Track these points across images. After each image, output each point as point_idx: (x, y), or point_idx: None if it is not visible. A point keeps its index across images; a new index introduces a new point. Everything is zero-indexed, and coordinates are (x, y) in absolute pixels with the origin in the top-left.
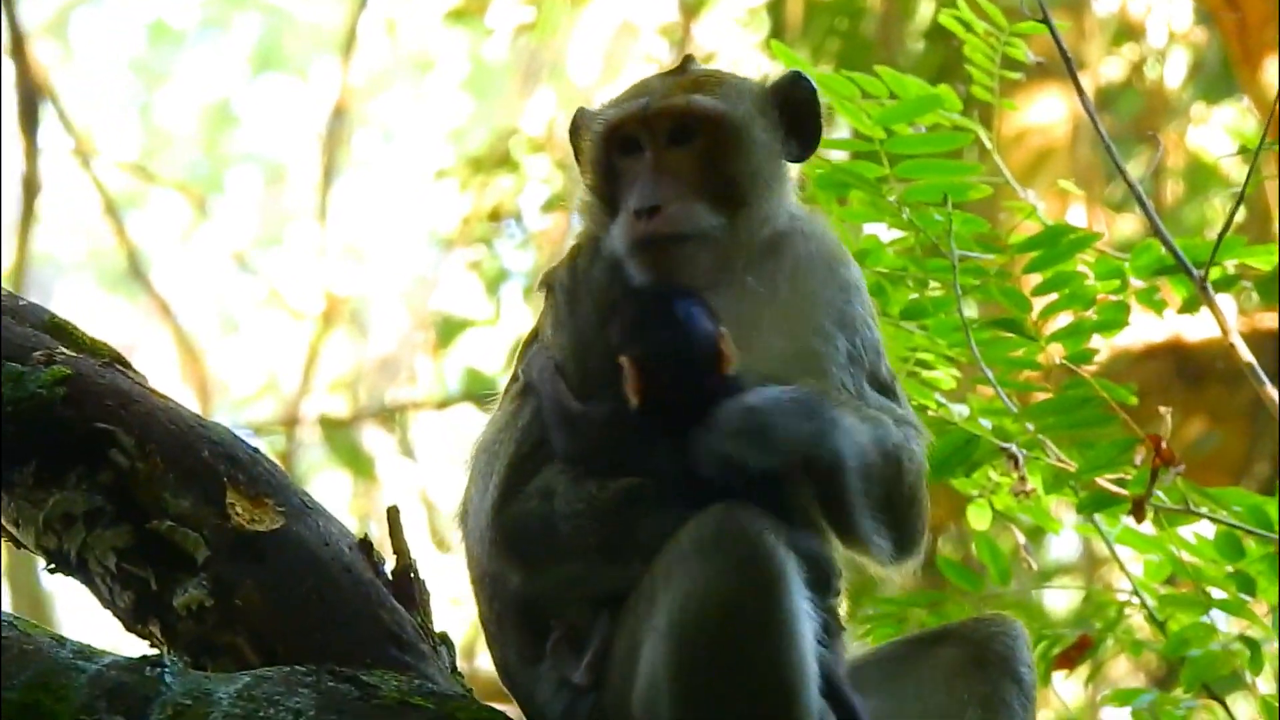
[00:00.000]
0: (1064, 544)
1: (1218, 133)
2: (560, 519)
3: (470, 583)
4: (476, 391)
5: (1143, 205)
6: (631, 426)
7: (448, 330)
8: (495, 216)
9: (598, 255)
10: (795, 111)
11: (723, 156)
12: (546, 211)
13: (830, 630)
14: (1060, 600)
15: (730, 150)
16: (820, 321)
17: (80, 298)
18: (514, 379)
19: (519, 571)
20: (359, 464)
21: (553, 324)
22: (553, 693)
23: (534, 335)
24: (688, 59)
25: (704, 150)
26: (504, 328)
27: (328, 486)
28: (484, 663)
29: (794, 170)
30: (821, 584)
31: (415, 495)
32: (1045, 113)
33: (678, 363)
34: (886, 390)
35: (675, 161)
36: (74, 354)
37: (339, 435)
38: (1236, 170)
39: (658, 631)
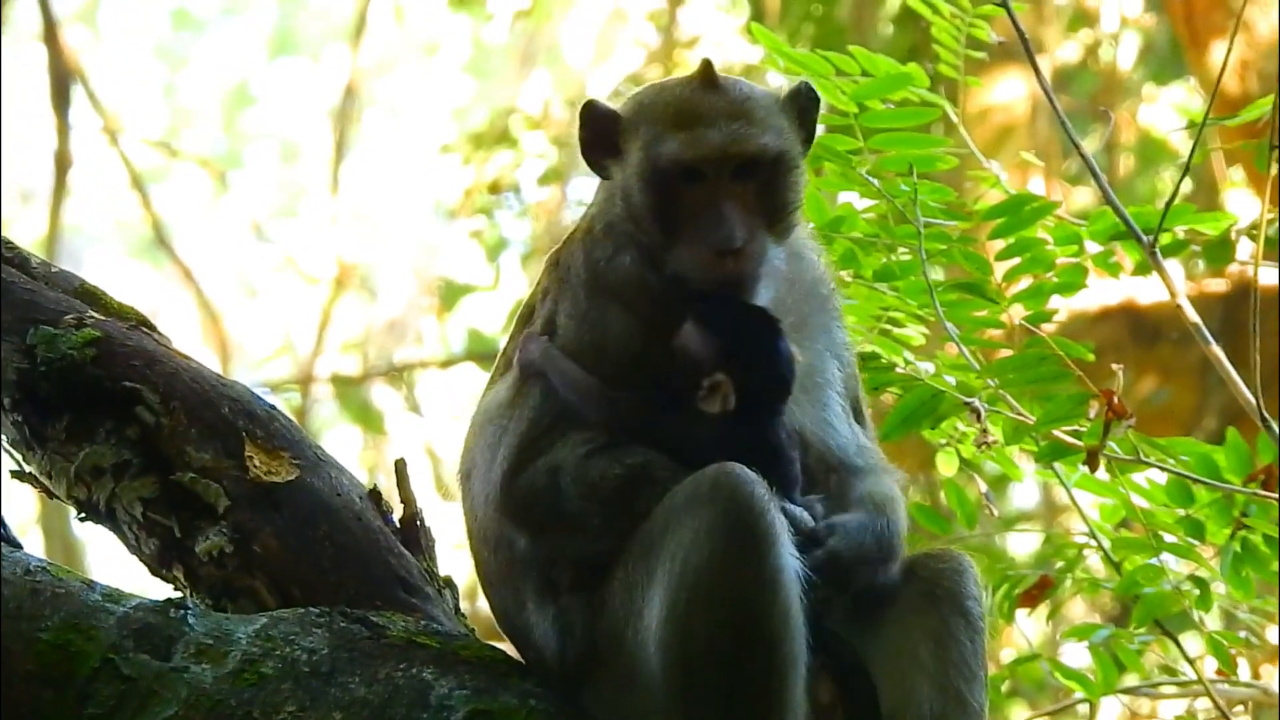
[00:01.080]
0: (1025, 493)
1: (1166, 111)
2: (566, 497)
3: (469, 534)
4: (478, 351)
5: (1096, 176)
6: (674, 413)
7: (451, 295)
8: (495, 189)
9: (622, 250)
10: (804, 118)
11: (781, 189)
12: (543, 184)
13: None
14: (1022, 544)
15: (787, 182)
16: (818, 345)
17: (108, 266)
18: (504, 355)
19: (525, 536)
20: (369, 419)
21: (568, 313)
22: (548, 633)
23: (529, 311)
24: (709, 66)
25: (764, 183)
26: (503, 292)
27: (339, 441)
28: (484, 606)
29: None
30: (813, 540)
31: (421, 448)
32: (1007, 92)
33: (779, 388)
34: (860, 417)
35: (740, 193)
36: (103, 317)
37: (350, 393)
38: (1184, 145)
39: (652, 578)
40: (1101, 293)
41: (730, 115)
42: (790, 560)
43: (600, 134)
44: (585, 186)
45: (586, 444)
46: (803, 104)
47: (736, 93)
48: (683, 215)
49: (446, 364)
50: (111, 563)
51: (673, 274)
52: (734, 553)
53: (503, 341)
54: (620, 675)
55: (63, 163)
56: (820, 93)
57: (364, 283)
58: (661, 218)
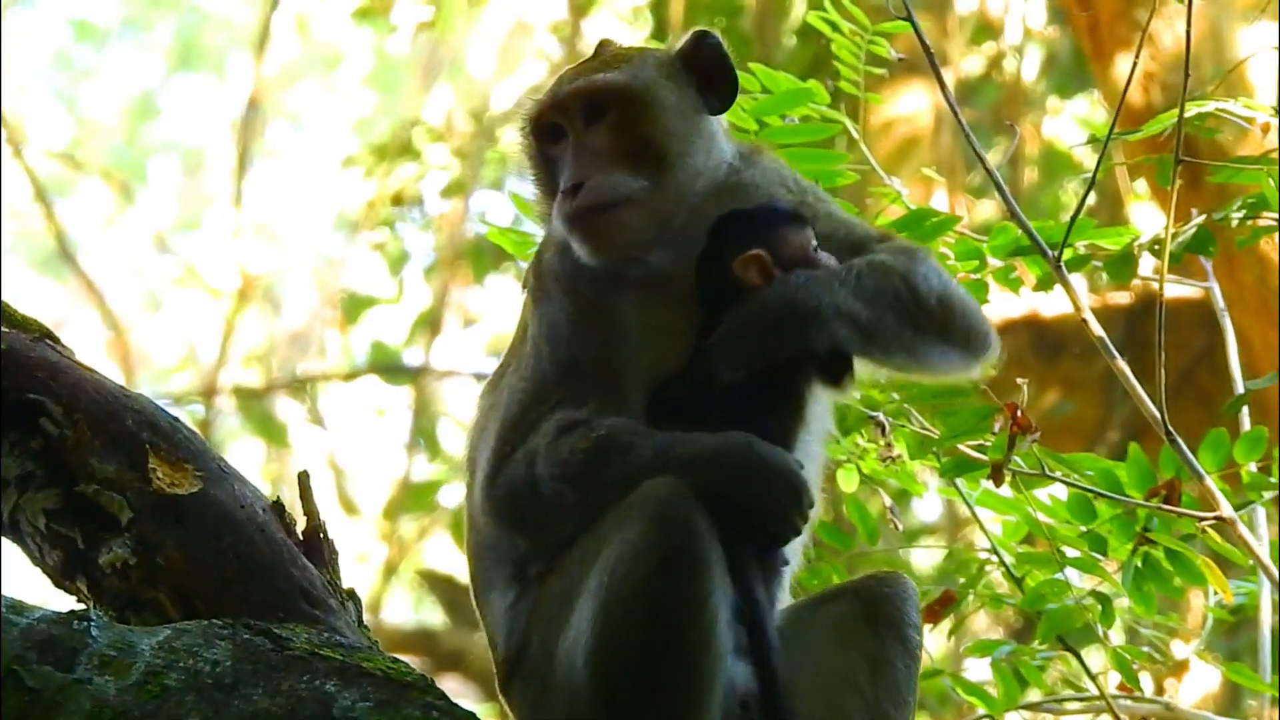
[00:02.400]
0: (927, 507)
1: (1070, 124)
2: (541, 481)
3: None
4: (381, 363)
5: (1000, 190)
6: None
7: (354, 307)
8: (398, 201)
9: (554, 244)
10: (706, 67)
11: (634, 124)
12: (446, 197)
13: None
14: (925, 559)
15: (640, 116)
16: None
17: (10, 279)
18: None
19: (519, 535)
20: (272, 432)
21: (529, 314)
22: (498, 621)
23: (519, 325)
24: (603, 44)
25: (617, 123)
26: (406, 305)
27: (243, 453)
28: (387, 616)
29: (721, 122)
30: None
31: (324, 461)
32: (910, 105)
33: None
34: (869, 240)
35: (594, 140)
36: (6, 330)
37: (253, 405)
38: (1088, 159)
39: (586, 587)
40: (1004, 306)
41: (587, 69)
42: (719, 587)
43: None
44: (487, 199)
45: (556, 426)
46: (697, 52)
47: (609, 54)
48: (553, 177)
49: (350, 376)
50: (12, 576)
51: (560, 241)
52: (664, 574)
53: (414, 351)
54: (546, 675)
55: None
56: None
57: (267, 295)
58: (544, 185)
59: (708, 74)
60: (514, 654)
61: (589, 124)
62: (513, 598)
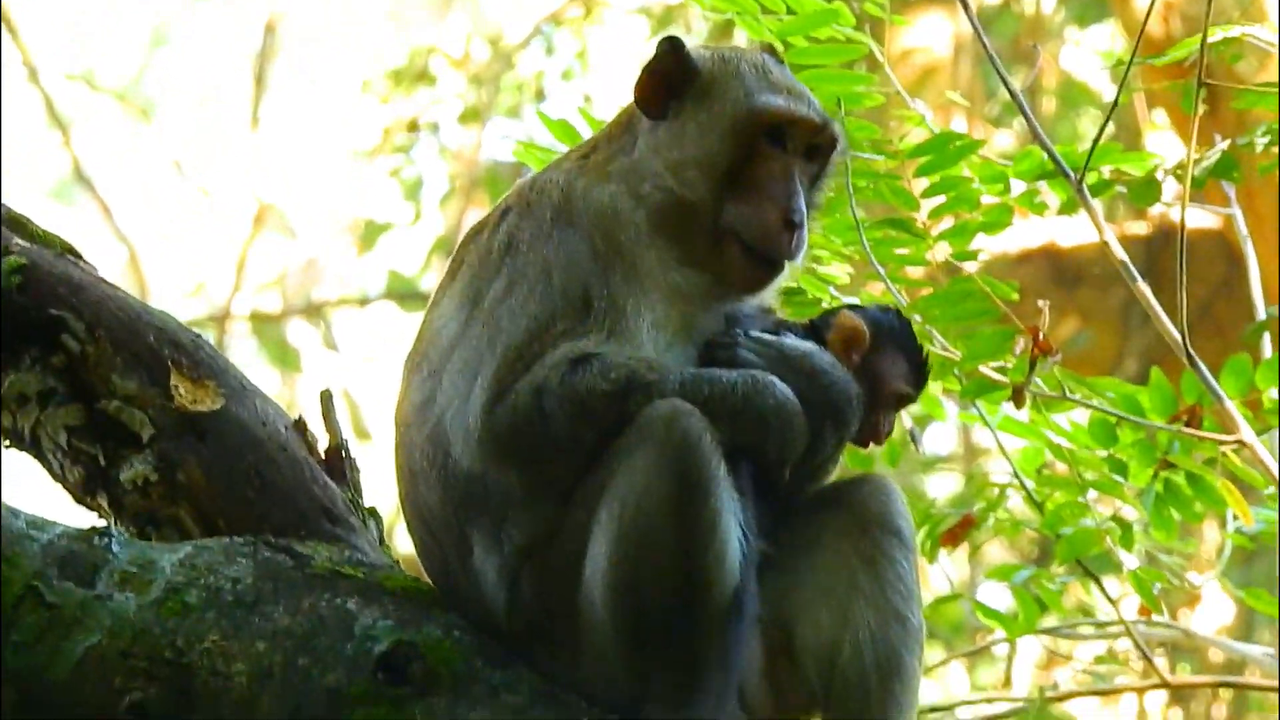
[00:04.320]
0: (943, 437)
1: (1088, 54)
2: (553, 420)
3: (405, 477)
4: (396, 290)
5: (1024, 112)
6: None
7: (369, 234)
8: (413, 128)
9: (606, 182)
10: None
11: (823, 184)
12: (462, 124)
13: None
14: (942, 488)
15: (827, 180)
16: (769, 303)
17: (26, 205)
18: (450, 277)
19: (515, 470)
20: (286, 358)
21: (531, 233)
22: (495, 586)
23: (482, 226)
24: (774, 49)
25: (818, 173)
26: (421, 231)
27: (256, 380)
28: (400, 544)
29: None
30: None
31: (338, 387)
32: (929, 33)
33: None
34: None
35: (802, 174)
36: (28, 245)
37: (267, 331)
38: (1106, 88)
39: (598, 521)
40: (1022, 235)
41: (811, 99)
42: (730, 506)
43: (672, 74)
44: (503, 126)
45: (564, 359)
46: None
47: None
48: (755, 176)
49: (364, 302)
50: (28, 496)
51: (724, 227)
52: (678, 494)
53: (429, 276)
54: (568, 628)
55: None
56: (745, 29)
57: (282, 221)
58: (731, 170)
59: None
60: (526, 620)
61: (806, 159)
62: (501, 563)
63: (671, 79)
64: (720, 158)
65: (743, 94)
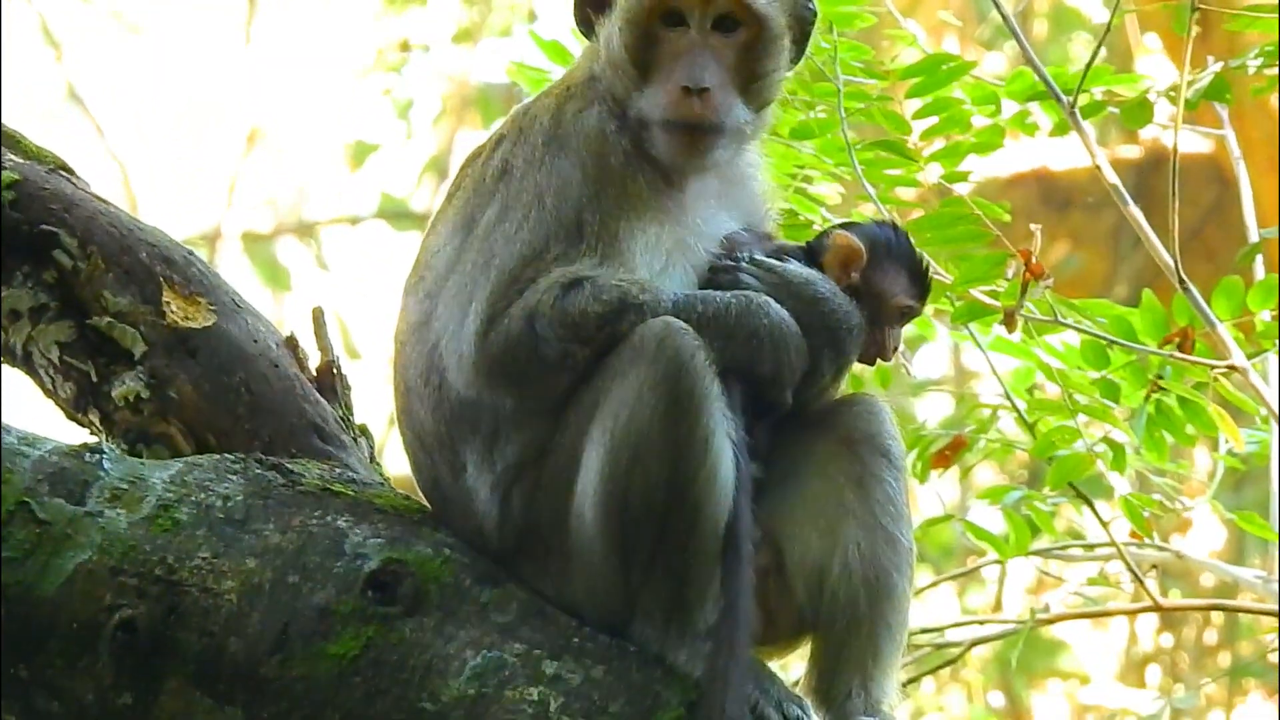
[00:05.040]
0: (933, 360)
1: None
2: (545, 341)
3: (401, 393)
4: (388, 210)
5: (1015, 35)
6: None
7: (360, 153)
8: (405, 48)
9: (593, 105)
10: (800, 26)
11: (761, 54)
12: (455, 44)
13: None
14: (933, 411)
15: (766, 50)
16: (766, 228)
17: (19, 121)
18: (447, 202)
19: (509, 392)
20: (278, 277)
21: (524, 158)
22: (487, 502)
23: (478, 153)
24: None
25: (745, 43)
26: (412, 152)
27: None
28: (390, 465)
29: None
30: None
31: (329, 307)
32: None
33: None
34: None
35: (719, 48)
36: (21, 160)
37: (258, 249)
38: (1097, 13)
39: (590, 437)
40: (1013, 159)
41: None
42: (722, 424)
43: None
44: (495, 47)
45: (557, 284)
46: (800, 8)
47: None
48: (660, 59)
49: (355, 222)
50: (20, 412)
51: (637, 117)
52: (670, 411)
53: (420, 196)
54: (558, 544)
55: None
56: None
57: (274, 139)
58: (638, 60)
59: (798, 32)
60: (516, 536)
61: (715, 29)
62: (494, 480)
63: None
64: (627, 52)
65: None
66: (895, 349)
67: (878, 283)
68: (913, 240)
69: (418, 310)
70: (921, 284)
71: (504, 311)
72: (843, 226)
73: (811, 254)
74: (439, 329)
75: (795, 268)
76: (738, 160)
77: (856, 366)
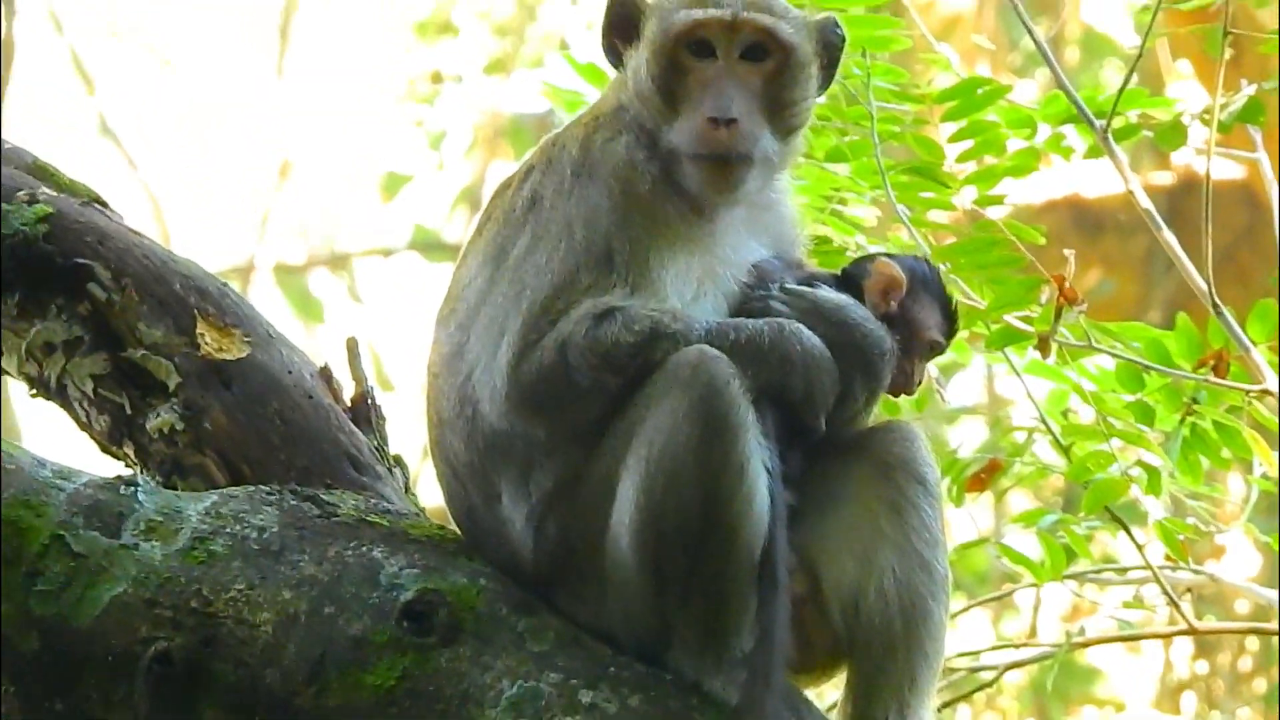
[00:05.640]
0: (967, 388)
1: (1110, 5)
2: (578, 371)
3: (434, 424)
4: (420, 241)
5: (1048, 60)
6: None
7: (392, 184)
8: (437, 79)
9: (621, 134)
10: (826, 47)
11: (789, 82)
12: (487, 74)
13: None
14: (966, 439)
15: (795, 79)
16: (796, 255)
17: (51, 154)
18: (478, 234)
19: (542, 423)
20: (310, 308)
21: (553, 189)
22: (524, 531)
23: (508, 185)
24: None
25: (773, 72)
26: (445, 182)
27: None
28: (423, 496)
29: None
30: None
31: (362, 337)
32: None
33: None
34: None
35: (747, 77)
36: (55, 193)
37: (292, 281)
38: (1128, 39)
39: (626, 465)
40: (1046, 185)
41: (752, 4)
42: (757, 450)
43: (622, 19)
44: (528, 78)
45: (589, 314)
46: (828, 34)
47: None
48: (688, 90)
49: (388, 254)
50: (52, 446)
51: (667, 149)
52: (705, 438)
53: (453, 227)
54: (593, 572)
55: (8, 49)
56: None
57: (307, 171)
58: (666, 91)
59: (826, 59)
60: (551, 564)
61: (744, 59)
62: (529, 509)
63: (621, 27)
64: (654, 83)
65: (658, 18)
66: (920, 382)
67: (912, 314)
68: (943, 279)
69: (450, 342)
70: (951, 322)
71: (536, 343)
72: (884, 256)
73: (848, 280)
74: (471, 360)
75: (826, 293)
76: (766, 188)
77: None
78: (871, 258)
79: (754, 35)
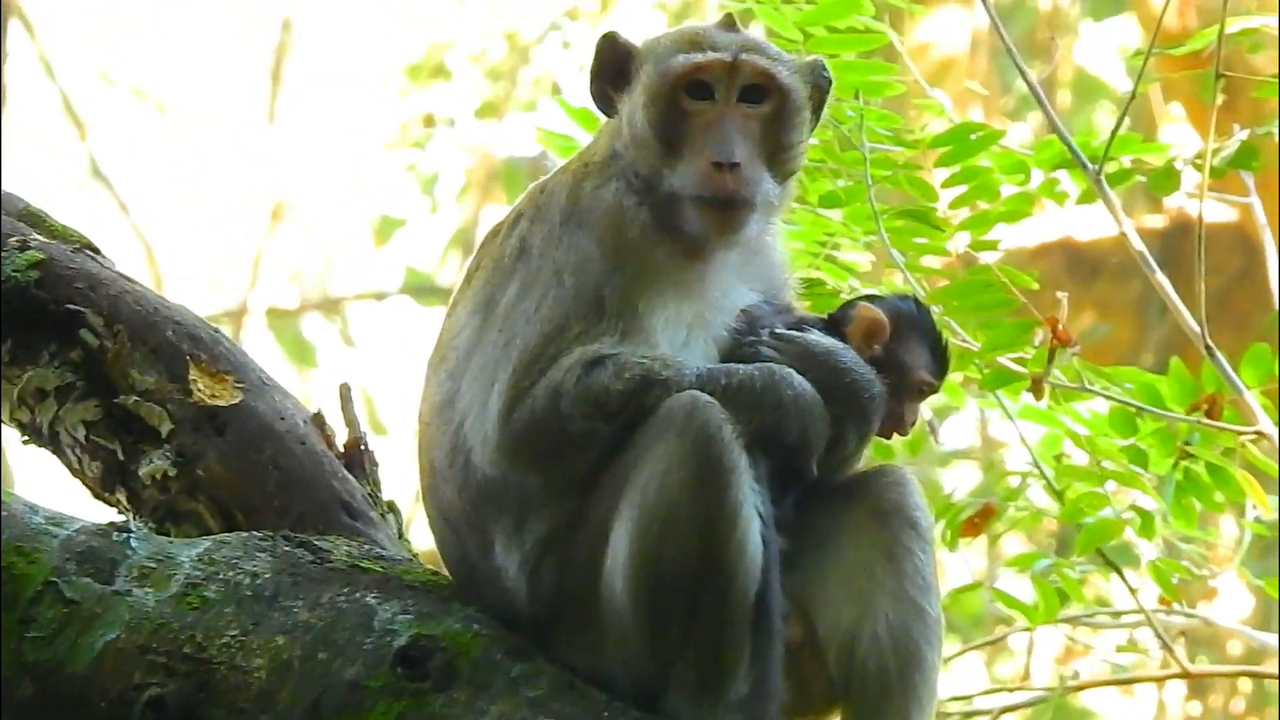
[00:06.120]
0: (960, 432)
1: (1104, 48)
2: (569, 420)
3: (426, 473)
4: (413, 284)
5: (1042, 104)
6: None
7: (385, 228)
8: (430, 123)
9: (611, 180)
10: (815, 89)
11: (786, 125)
12: (478, 119)
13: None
14: (960, 482)
15: (792, 120)
16: (786, 298)
17: (43, 198)
18: (467, 282)
19: (535, 471)
20: (303, 353)
21: (542, 236)
22: (518, 579)
23: (496, 232)
24: (731, 16)
25: (771, 114)
26: (437, 226)
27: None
28: (416, 539)
29: None
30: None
31: (355, 382)
32: (946, 28)
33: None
34: None
35: (746, 121)
36: (47, 240)
37: (284, 325)
38: (1122, 81)
39: (620, 512)
40: (1039, 229)
41: (743, 44)
42: (750, 496)
43: (614, 65)
44: (520, 121)
45: (579, 362)
46: (817, 75)
47: (752, 33)
48: (687, 134)
49: (381, 298)
50: (44, 493)
51: (668, 193)
52: (699, 483)
53: (446, 271)
54: (588, 618)
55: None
56: (764, 19)
57: (299, 215)
58: (665, 135)
59: (818, 101)
60: (546, 611)
61: (742, 100)
62: (522, 557)
63: (612, 73)
64: (652, 128)
65: (654, 62)
66: (912, 423)
67: (900, 355)
68: (932, 316)
69: (441, 391)
70: (941, 361)
71: (527, 391)
72: (865, 299)
73: (834, 324)
74: (463, 409)
75: (816, 338)
76: (762, 232)
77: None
78: (854, 302)
79: (754, 78)
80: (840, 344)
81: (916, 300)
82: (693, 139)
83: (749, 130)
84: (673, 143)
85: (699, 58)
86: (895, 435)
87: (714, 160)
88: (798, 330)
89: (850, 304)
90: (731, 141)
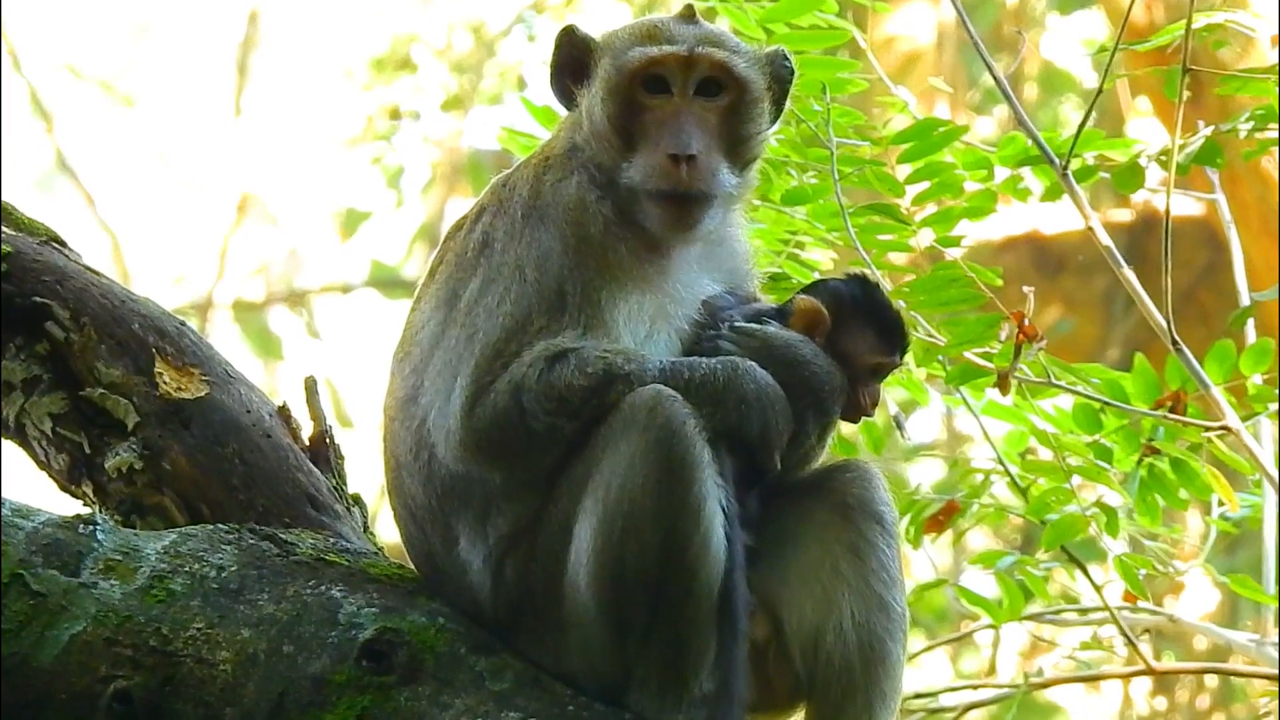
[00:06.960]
0: (926, 426)
1: (1070, 41)
2: (532, 416)
3: (391, 468)
4: (378, 278)
5: (1007, 97)
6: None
7: (351, 221)
8: (395, 115)
9: (572, 174)
10: (777, 80)
11: (744, 117)
12: (445, 111)
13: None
14: (926, 476)
15: (749, 114)
16: (748, 288)
17: (10, 193)
18: (430, 276)
19: (498, 467)
20: (269, 346)
21: (504, 230)
22: (481, 575)
23: (460, 227)
24: (691, 9)
25: (728, 107)
26: (403, 219)
27: (240, 368)
28: (382, 533)
29: None
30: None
31: (321, 375)
32: (911, 22)
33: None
34: None
35: (704, 113)
36: (13, 232)
37: (250, 319)
38: (1088, 76)
39: (584, 507)
40: (1005, 223)
41: (700, 36)
42: (714, 492)
43: (573, 59)
44: (486, 114)
45: (541, 356)
46: (778, 66)
47: (712, 26)
48: (644, 127)
49: (346, 290)
50: (10, 485)
51: (627, 187)
52: (663, 478)
53: (411, 264)
54: (552, 614)
55: None
56: (728, 16)
57: (265, 208)
58: (622, 129)
59: (777, 92)
60: (510, 607)
61: (699, 94)
62: (486, 553)
63: (572, 67)
64: (610, 122)
65: (611, 56)
66: (874, 405)
67: (843, 343)
68: (883, 292)
69: (404, 386)
70: (891, 338)
71: (489, 386)
72: (811, 286)
73: (783, 317)
74: (426, 404)
75: (775, 330)
76: (722, 223)
77: (850, 430)
78: (797, 294)
79: (709, 70)
80: (801, 336)
81: (862, 279)
82: (649, 132)
83: (707, 122)
84: (630, 136)
85: (654, 51)
86: (862, 417)
87: (670, 153)
88: (757, 323)
89: (793, 297)
90: (688, 134)
